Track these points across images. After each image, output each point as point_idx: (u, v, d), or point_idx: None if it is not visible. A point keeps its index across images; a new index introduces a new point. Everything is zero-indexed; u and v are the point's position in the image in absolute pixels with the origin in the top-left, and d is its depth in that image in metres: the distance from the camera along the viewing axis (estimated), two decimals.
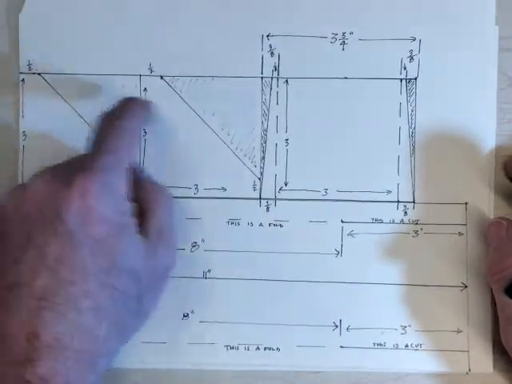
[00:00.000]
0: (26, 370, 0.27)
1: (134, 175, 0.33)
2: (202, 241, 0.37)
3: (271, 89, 0.38)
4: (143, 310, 0.33)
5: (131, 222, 0.31)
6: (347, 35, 0.37)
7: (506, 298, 0.33)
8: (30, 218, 0.29)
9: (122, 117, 0.33)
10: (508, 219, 0.35)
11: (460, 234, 0.37)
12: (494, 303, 0.36)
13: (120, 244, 0.30)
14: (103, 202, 0.29)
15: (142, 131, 0.38)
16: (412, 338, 0.37)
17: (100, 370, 0.30)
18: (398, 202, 0.37)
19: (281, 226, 0.37)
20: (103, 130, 0.32)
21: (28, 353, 0.27)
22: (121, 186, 0.31)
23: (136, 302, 0.31)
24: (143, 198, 0.33)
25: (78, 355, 0.28)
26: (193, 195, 0.38)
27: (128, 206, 0.31)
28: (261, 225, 0.37)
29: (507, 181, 0.37)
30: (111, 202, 0.30)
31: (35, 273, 0.28)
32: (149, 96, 0.38)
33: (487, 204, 0.37)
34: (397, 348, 0.37)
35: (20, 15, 0.38)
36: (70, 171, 0.30)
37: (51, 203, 0.29)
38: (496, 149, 0.37)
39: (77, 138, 0.38)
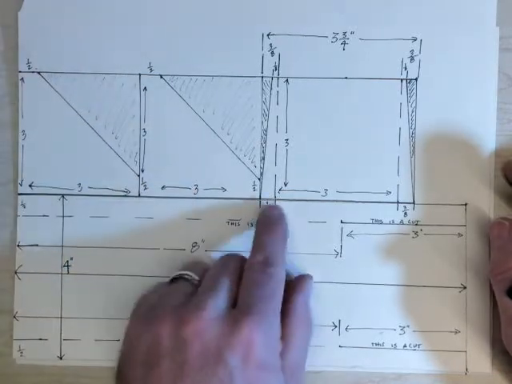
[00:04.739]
0: None
1: None
2: (202, 241, 0.38)
3: (271, 88, 0.38)
4: None
5: (279, 361, 0.31)
6: (348, 35, 0.37)
7: (508, 300, 0.33)
8: (188, 350, 0.29)
9: (273, 263, 0.33)
10: (510, 219, 0.35)
11: (459, 234, 0.37)
12: (492, 304, 0.36)
13: None
14: (263, 349, 0.30)
15: (142, 131, 0.38)
16: (410, 338, 0.37)
17: None
18: (398, 202, 0.37)
19: None
20: (254, 276, 0.33)
21: None
22: (276, 328, 0.31)
23: None
24: (284, 332, 0.33)
25: None
26: (193, 195, 0.38)
27: (279, 347, 0.31)
28: None
29: (507, 182, 0.37)
30: (269, 347, 0.30)
31: None
32: (148, 95, 0.38)
33: (487, 205, 0.37)
34: (395, 348, 0.37)
35: (19, 14, 0.38)
36: (233, 314, 0.30)
37: (215, 344, 0.29)
38: (496, 149, 0.37)
39: (76, 137, 0.38)
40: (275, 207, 0.37)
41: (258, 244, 0.34)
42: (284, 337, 0.32)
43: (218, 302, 0.30)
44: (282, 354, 0.32)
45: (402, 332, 0.37)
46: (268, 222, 0.36)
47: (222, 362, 0.29)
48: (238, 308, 0.31)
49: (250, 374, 0.29)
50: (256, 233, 0.35)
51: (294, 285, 0.35)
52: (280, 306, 0.32)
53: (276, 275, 0.33)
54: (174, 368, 0.29)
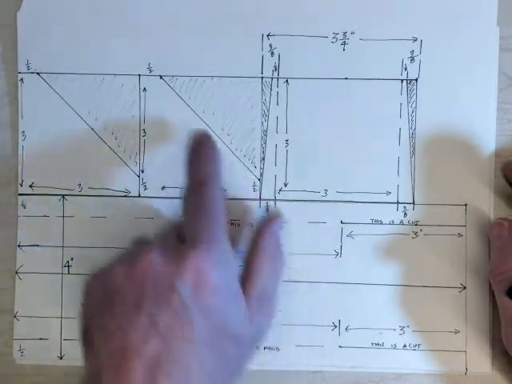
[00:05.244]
0: None
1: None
2: None
3: (271, 89, 0.38)
4: (240, 371, 0.33)
5: (238, 287, 0.31)
6: (348, 35, 0.37)
7: (508, 300, 0.33)
8: (141, 287, 0.29)
9: (204, 182, 0.32)
10: (510, 220, 0.35)
11: (459, 235, 0.37)
12: (492, 304, 0.36)
13: (228, 311, 0.30)
14: (216, 274, 0.30)
15: (142, 132, 0.38)
16: (410, 338, 0.37)
17: None
18: (398, 203, 0.37)
19: None
20: (192, 203, 0.32)
21: None
22: (228, 250, 0.31)
23: (236, 365, 0.32)
24: (251, 258, 0.33)
25: None
26: None
27: (236, 270, 0.32)
28: None
29: (507, 182, 0.37)
30: (222, 271, 0.30)
31: (146, 339, 0.28)
32: (148, 96, 0.38)
33: (487, 205, 0.37)
34: (395, 348, 0.37)
35: (18, 14, 0.37)
36: (180, 248, 0.30)
37: (166, 277, 0.29)
38: (496, 149, 0.37)
39: (76, 137, 0.38)
40: (203, 133, 0.34)
41: (188, 169, 0.33)
42: (250, 267, 0.33)
43: (165, 241, 0.31)
44: (247, 281, 0.32)
45: (401, 332, 0.37)
46: (195, 147, 0.34)
47: (175, 293, 0.29)
48: (186, 243, 0.31)
49: (206, 301, 0.29)
50: (185, 161, 0.34)
51: (261, 223, 0.35)
52: (226, 229, 0.32)
53: (211, 193, 0.32)
54: (130, 306, 0.29)
